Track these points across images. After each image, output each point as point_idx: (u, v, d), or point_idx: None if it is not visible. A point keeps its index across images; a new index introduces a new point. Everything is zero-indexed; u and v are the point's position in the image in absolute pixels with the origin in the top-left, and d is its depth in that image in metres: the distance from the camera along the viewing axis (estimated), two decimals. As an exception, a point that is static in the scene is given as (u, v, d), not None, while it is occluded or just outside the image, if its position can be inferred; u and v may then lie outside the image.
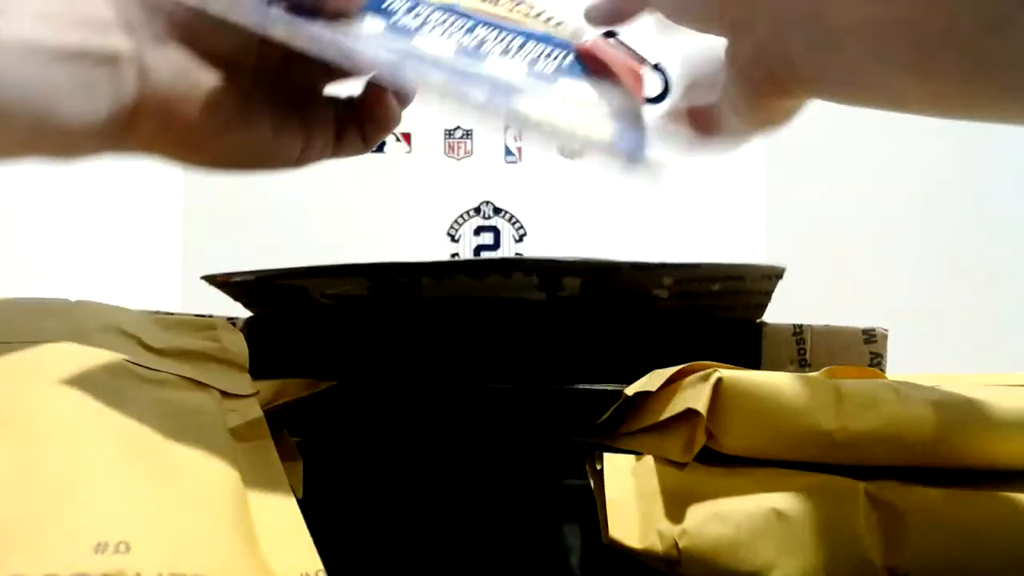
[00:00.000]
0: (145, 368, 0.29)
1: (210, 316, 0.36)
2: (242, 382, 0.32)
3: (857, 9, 0.27)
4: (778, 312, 0.43)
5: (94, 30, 0.27)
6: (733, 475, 0.27)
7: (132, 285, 1.22)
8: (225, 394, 0.30)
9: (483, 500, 0.33)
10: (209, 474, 0.23)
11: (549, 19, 0.37)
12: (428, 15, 0.34)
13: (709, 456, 0.27)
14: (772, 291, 0.42)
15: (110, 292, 0.37)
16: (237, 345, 0.35)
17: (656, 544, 0.25)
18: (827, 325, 0.43)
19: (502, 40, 0.35)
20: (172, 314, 0.36)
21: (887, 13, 0.27)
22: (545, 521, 0.30)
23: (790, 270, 0.40)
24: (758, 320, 0.44)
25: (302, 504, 0.26)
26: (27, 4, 0.26)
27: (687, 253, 0.42)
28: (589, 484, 0.31)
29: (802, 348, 0.43)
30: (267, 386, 0.34)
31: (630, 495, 0.27)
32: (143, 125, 0.30)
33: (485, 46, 0.34)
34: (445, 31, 0.34)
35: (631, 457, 0.29)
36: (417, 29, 0.34)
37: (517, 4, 0.37)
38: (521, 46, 0.35)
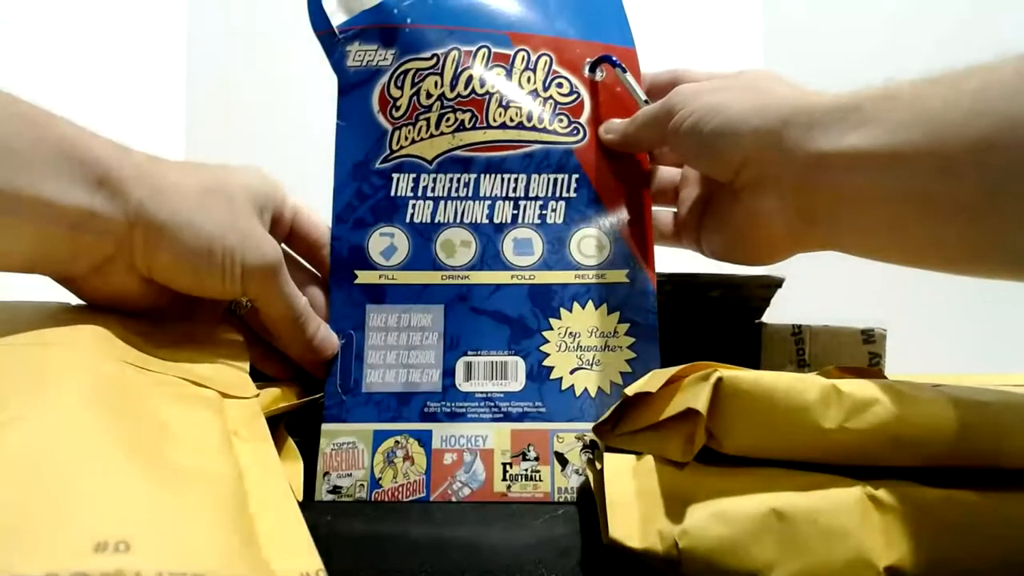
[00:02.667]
0: (145, 369, 0.29)
1: (210, 317, 0.36)
2: (242, 383, 0.32)
3: (873, 180, 0.29)
4: (778, 312, 0.43)
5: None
6: (733, 475, 0.27)
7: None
8: (225, 395, 0.31)
9: (482, 498, 0.33)
10: (209, 474, 0.23)
11: (541, 120, 0.39)
12: (442, 196, 0.38)
13: (709, 456, 0.27)
14: (771, 298, 0.42)
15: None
16: (237, 346, 0.35)
17: (656, 544, 0.25)
18: (827, 325, 0.43)
19: (509, 198, 0.38)
20: (172, 315, 0.36)
21: (901, 185, 0.28)
22: (545, 521, 0.30)
23: (790, 271, 0.40)
24: (757, 320, 0.44)
25: (302, 504, 0.26)
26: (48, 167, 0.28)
27: (686, 253, 0.42)
28: (589, 484, 0.31)
29: (802, 348, 0.43)
30: (267, 389, 0.34)
31: (630, 495, 0.27)
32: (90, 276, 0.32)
33: (496, 214, 0.37)
34: (457, 213, 0.37)
35: (631, 457, 0.29)
36: (436, 225, 0.38)
37: (506, 109, 0.38)
38: (526, 190, 0.38)
